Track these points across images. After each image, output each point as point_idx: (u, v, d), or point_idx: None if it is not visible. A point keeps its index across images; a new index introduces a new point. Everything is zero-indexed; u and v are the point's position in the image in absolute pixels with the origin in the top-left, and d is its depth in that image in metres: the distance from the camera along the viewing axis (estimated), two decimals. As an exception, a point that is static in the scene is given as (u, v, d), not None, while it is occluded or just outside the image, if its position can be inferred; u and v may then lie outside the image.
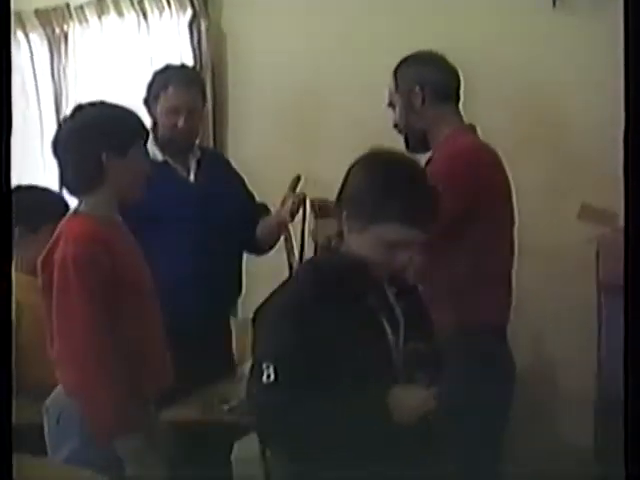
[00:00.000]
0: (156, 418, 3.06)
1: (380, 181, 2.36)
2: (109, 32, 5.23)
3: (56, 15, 5.33)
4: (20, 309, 3.10)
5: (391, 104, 3.33)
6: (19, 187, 3.25)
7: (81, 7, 5.26)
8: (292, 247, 3.78)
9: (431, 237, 2.39)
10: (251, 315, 4.65)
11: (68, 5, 5.29)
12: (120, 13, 5.17)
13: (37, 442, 2.91)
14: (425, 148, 3.29)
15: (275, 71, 4.88)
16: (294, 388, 2.28)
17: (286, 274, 3.73)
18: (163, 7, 5.06)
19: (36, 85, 5.42)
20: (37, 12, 5.34)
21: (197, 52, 5.01)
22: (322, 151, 4.74)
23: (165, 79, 3.82)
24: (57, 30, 5.34)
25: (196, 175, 3.86)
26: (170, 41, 5.07)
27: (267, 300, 2.46)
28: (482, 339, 3.11)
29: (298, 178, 3.77)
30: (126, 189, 2.94)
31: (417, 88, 3.24)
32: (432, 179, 2.42)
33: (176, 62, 4.46)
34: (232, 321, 4.13)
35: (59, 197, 3.62)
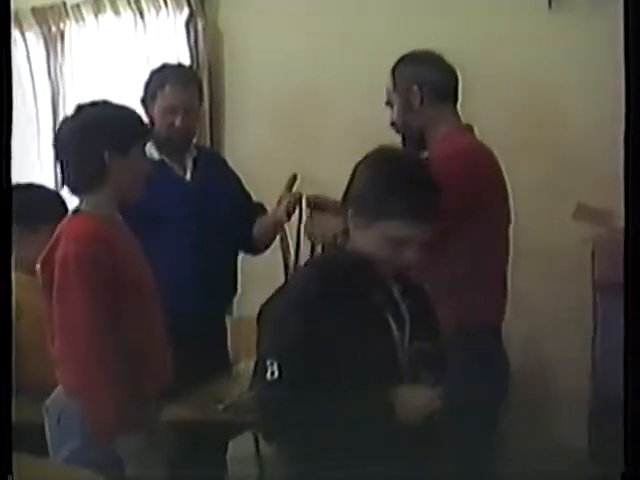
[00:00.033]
0: (157, 417, 3.06)
1: (385, 178, 2.37)
2: (106, 31, 5.24)
3: (53, 13, 5.33)
4: (19, 309, 3.09)
5: (389, 103, 3.33)
6: (16, 185, 3.24)
7: (78, 5, 5.26)
8: (288, 246, 3.78)
9: (429, 237, 2.39)
10: (246, 314, 4.69)
11: (65, 3, 5.29)
12: (117, 12, 5.18)
13: (36, 441, 2.90)
14: (422, 147, 3.28)
15: (272, 70, 4.88)
16: (298, 385, 2.28)
17: (282, 273, 3.74)
18: (160, 6, 5.07)
19: (33, 84, 5.43)
20: (34, 10, 5.34)
21: (194, 51, 5.02)
22: (319, 150, 4.74)
23: (162, 78, 3.82)
24: (54, 28, 5.35)
25: (192, 174, 3.85)
26: (167, 40, 5.08)
27: (272, 297, 2.46)
28: (479, 339, 3.11)
29: (294, 177, 3.77)
30: (127, 188, 2.94)
31: (415, 87, 3.23)
32: None
33: (173, 61, 4.46)
34: (227, 320, 4.13)
35: (57, 195, 3.62)
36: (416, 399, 2.32)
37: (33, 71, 5.42)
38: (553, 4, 4.29)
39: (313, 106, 4.83)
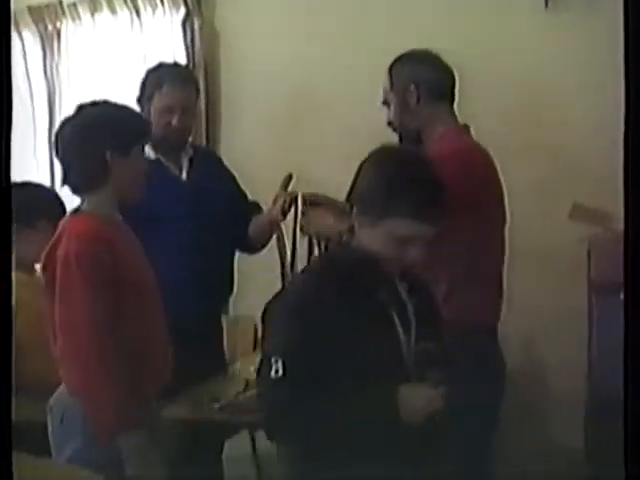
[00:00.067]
0: (157, 416, 3.06)
1: (390, 176, 2.36)
2: (102, 30, 5.23)
3: (49, 12, 5.33)
4: (16, 307, 3.09)
5: (385, 102, 3.33)
6: (13, 184, 3.23)
7: (74, 4, 5.26)
8: (284, 246, 3.77)
9: (433, 235, 2.39)
10: (242, 313, 4.69)
11: (61, 2, 5.29)
12: (113, 11, 5.18)
13: (35, 441, 2.90)
14: (419, 147, 3.29)
15: (268, 70, 4.88)
16: (302, 384, 2.27)
17: (278, 273, 3.73)
18: (156, 5, 5.07)
19: (29, 83, 5.42)
20: (30, 9, 5.34)
21: (190, 50, 5.02)
22: (314, 150, 4.74)
23: (159, 78, 3.81)
24: (50, 27, 5.35)
25: (188, 173, 3.85)
26: (163, 39, 5.07)
27: (277, 295, 2.46)
28: (476, 339, 3.11)
29: (290, 177, 3.77)
30: (128, 188, 2.94)
31: (412, 87, 3.23)
32: None
33: (169, 60, 4.45)
34: (223, 319, 4.12)
35: (53, 194, 3.61)
36: (419, 399, 2.31)
37: (29, 70, 5.41)
38: (550, 4, 4.30)
39: (309, 105, 4.83)
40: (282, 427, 2.39)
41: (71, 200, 3.49)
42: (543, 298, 4.36)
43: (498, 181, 3.26)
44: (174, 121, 3.75)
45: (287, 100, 4.91)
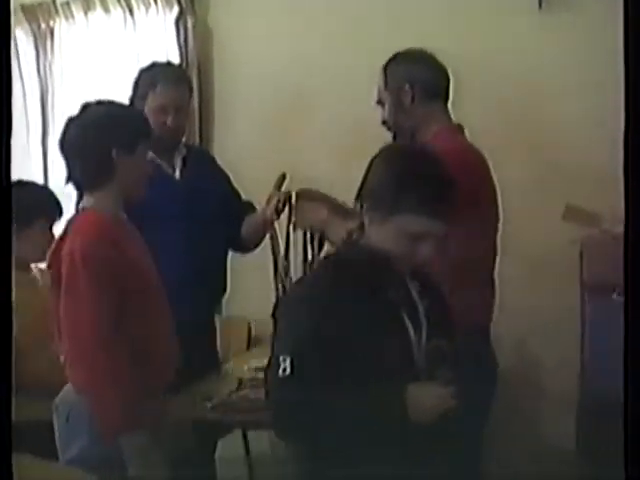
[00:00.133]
0: (162, 415, 3.05)
1: (401, 172, 2.36)
2: (95, 28, 5.23)
3: (42, 11, 5.32)
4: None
5: (380, 101, 3.33)
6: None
7: (67, 3, 5.26)
8: (278, 245, 3.76)
9: (445, 231, 2.39)
10: (235, 313, 4.69)
11: (54, 1, 5.28)
12: (106, 9, 5.18)
13: (34, 441, 2.90)
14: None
15: (261, 69, 4.89)
16: (309, 382, 2.27)
17: (271, 272, 3.73)
18: (149, 4, 5.07)
19: (22, 81, 5.41)
20: (23, 7, 5.32)
21: (183, 49, 5.02)
22: (308, 149, 4.75)
23: (153, 77, 3.80)
24: (43, 26, 5.34)
25: (182, 173, 3.84)
26: (156, 38, 5.07)
27: (286, 293, 2.46)
28: (471, 339, 3.11)
29: (283, 176, 3.76)
30: (132, 186, 2.96)
31: (407, 86, 3.23)
32: None
33: (162, 59, 4.45)
34: (216, 319, 4.12)
35: (49, 193, 3.61)
36: (429, 397, 2.30)
37: (22, 69, 5.40)
38: (543, 4, 4.31)
39: (303, 105, 4.83)
40: (290, 425, 2.39)
41: (71, 198, 3.51)
42: (536, 299, 4.37)
43: (491, 181, 3.26)
44: (169, 121, 3.75)
45: (280, 99, 4.91)
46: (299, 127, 4.84)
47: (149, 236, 3.45)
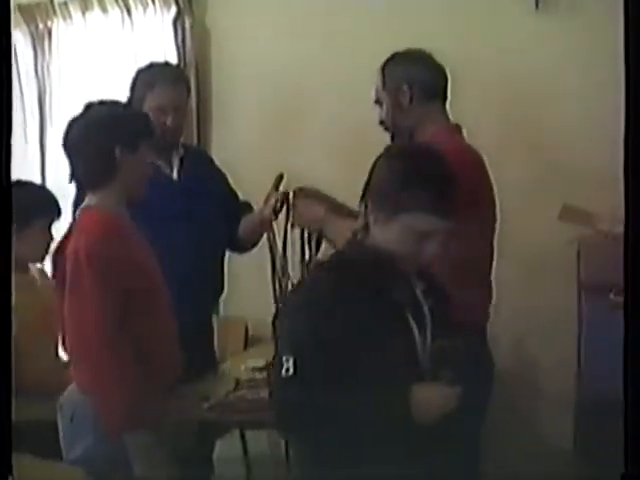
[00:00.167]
0: (165, 414, 3.06)
1: (406, 171, 2.36)
2: (93, 28, 5.22)
3: (40, 11, 5.31)
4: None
5: (378, 101, 3.33)
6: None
7: (65, 3, 5.25)
8: (276, 245, 3.76)
9: (450, 229, 2.39)
10: (233, 313, 4.69)
11: (52, 1, 5.27)
12: (104, 9, 5.17)
13: (33, 442, 2.91)
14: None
15: (259, 69, 4.88)
16: (313, 383, 2.27)
17: (268, 273, 3.73)
18: (147, 4, 5.07)
19: (19, 82, 5.41)
20: (20, 8, 5.32)
21: (181, 49, 5.01)
22: (305, 150, 4.74)
23: (151, 78, 3.80)
24: (41, 26, 5.34)
25: (179, 173, 3.84)
26: (154, 38, 5.06)
27: (290, 293, 2.46)
28: (469, 339, 3.11)
29: (281, 177, 3.76)
30: (135, 185, 2.97)
31: (405, 86, 3.23)
32: None
33: (160, 59, 4.45)
34: (214, 319, 4.12)
35: (47, 193, 3.61)
36: (434, 398, 2.31)
37: (20, 69, 5.39)
38: (544, 5, 4.31)
39: (300, 105, 4.83)
40: (293, 426, 2.40)
41: (69, 198, 3.52)
42: (533, 299, 4.38)
43: (489, 181, 3.26)
44: (168, 121, 3.74)
45: (278, 99, 4.91)
46: (297, 127, 4.83)
47: (146, 236, 3.46)
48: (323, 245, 3.47)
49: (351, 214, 3.34)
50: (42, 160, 5.40)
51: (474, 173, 3.16)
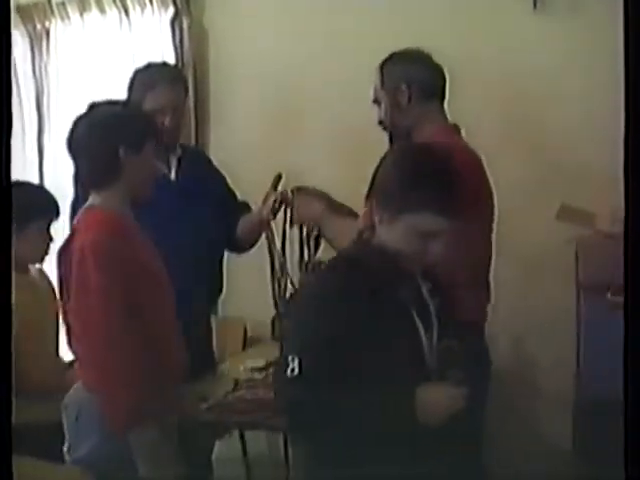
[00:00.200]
0: (170, 412, 3.06)
1: (412, 170, 2.37)
2: (91, 29, 5.21)
3: (38, 11, 5.31)
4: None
5: (376, 101, 3.33)
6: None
7: (63, 3, 5.24)
8: (274, 245, 3.76)
9: (456, 229, 2.39)
10: (231, 314, 4.68)
11: (50, 1, 5.27)
12: (102, 10, 5.16)
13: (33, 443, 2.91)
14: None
15: (257, 69, 4.88)
16: (319, 382, 2.27)
17: (267, 273, 3.73)
18: (145, 4, 5.06)
19: (17, 82, 5.40)
20: (19, 8, 5.31)
21: (179, 50, 5.01)
22: (304, 150, 4.75)
23: (149, 78, 3.80)
24: (39, 26, 5.33)
25: (177, 173, 3.84)
26: (152, 38, 5.06)
27: (296, 293, 2.45)
28: (470, 339, 3.12)
29: (279, 177, 3.76)
30: (139, 186, 2.96)
31: (404, 86, 3.24)
32: None
33: (158, 60, 4.44)
34: (212, 319, 4.12)
35: (46, 193, 3.61)
36: (441, 398, 2.30)
37: (18, 69, 5.39)
38: (538, 5, 4.31)
39: (300, 105, 4.83)
40: (299, 425, 2.40)
41: (67, 198, 3.52)
42: (531, 299, 4.38)
43: (487, 180, 3.27)
44: (167, 121, 3.74)
45: (276, 99, 4.91)
46: (296, 127, 4.83)
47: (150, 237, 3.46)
48: (322, 245, 3.47)
49: (350, 213, 3.35)
50: (40, 161, 5.39)
51: (474, 173, 3.16)
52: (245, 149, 4.89)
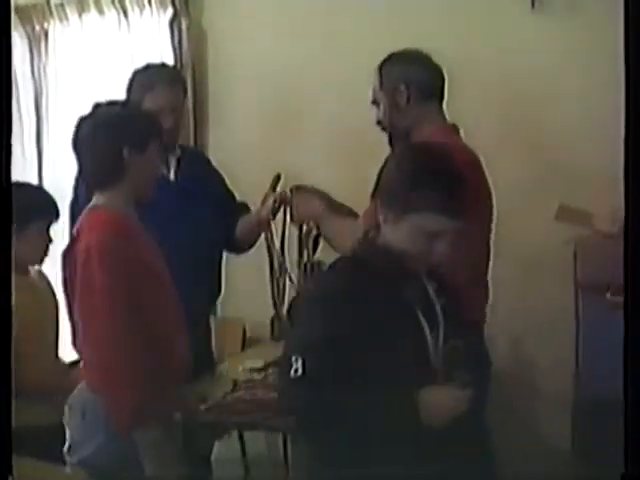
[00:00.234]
0: (175, 411, 3.06)
1: (416, 171, 2.36)
2: (89, 30, 5.21)
3: (36, 13, 5.30)
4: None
5: (375, 101, 3.33)
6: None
7: (61, 4, 5.24)
8: (274, 245, 3.76)
9: (460, 228, 2.39)
10: (230, 315, 4.68)
11: (48, 2, 5.26)
12: (100, 11, 5.16)
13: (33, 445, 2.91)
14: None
15: (256, 70, 4.88)
16: (322, 383, 2.27)
17: (266, 273, 3.73)
18: (144, 5, 5.06)
19: (16, 83, 5.40)
20: (17, 9, 5.31)
21: (177, 51, 5.01)
22: (303, 150, 4.75)
23: (148, 79, 3.80)
24: (37, 28, 5.33)
25: (176, 174, 3.84)
26: (151, 39, 5.06)
27: (300, 294, 2.45)
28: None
29: (278, 177, 3.77)
30: (143, 186, 2.97)
31: (402, 87, 3.24)
32: None
33: (157, 61, 4.45)
34: (211, 320, 4.12)
35: (46, 194, 3.60)
36: (444, 400, 2.30)
37: (16, 71, 5.38)
38: (536, 4, 4.32)
39: (299, 106, 4.84)
40: (302, 425, 2.40)
41: (61, 201, 3.52)
42: (530, 299, 4.38)
43: (486, 181, 3.27)
44: (165, 122, 3.74)
45: (275, 100, 4.91)
46: (295, 128, 4.83)
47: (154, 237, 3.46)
48: (320, 245, 3.48)
49: (350, 213, 3.35)
50: (39, 162, 5.39)
51: (473, 173, 3.16)
52: (244, 150, 4.89)
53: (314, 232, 3.48)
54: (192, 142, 4.95)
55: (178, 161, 3.85)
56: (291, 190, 3.57)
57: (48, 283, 3.57)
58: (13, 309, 3.01)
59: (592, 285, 3.88)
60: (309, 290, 2.49)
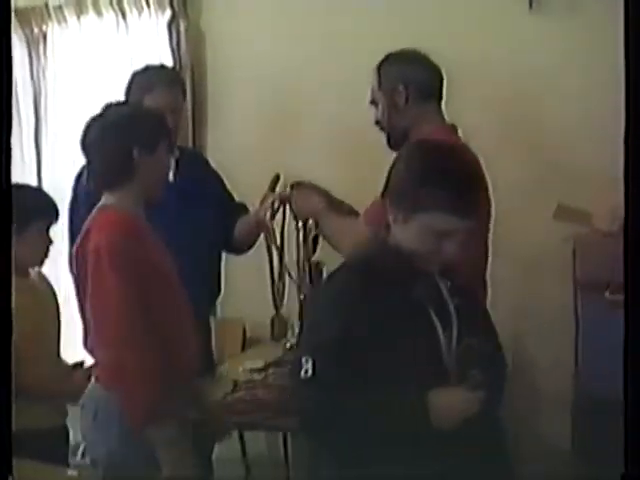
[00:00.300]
0: (188, 408, 3.06)
1: (425, 170, 2.36)
2: (88, 32, 5.21)
3: (35, 15, 5.30)
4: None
5: (373, 102, 3.34)
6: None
7: (60, 7, 5.24)
8: (275, 243, 3.76)
9: (471, 227, 2.39)
10: (230, 315, 4.68)
11: (47, 5, 5.26)
12: (99, 13, 5.16)
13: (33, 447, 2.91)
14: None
15: (254, 71, 4.89)
16: (332, 384, 2.27)
17: (266, 274, 3.74)
18: (142, 7, 5.06)
19: (15, 86, 5.40)
20: (16, 12, 5.30)
21: (176, 52, 5.01)
22: (301, 151, 4.75)
23: (147, 81, 3.81)
24: (36, 30, 5.32)
25: (175, 174, 3.84)
26: (149, 41, 5.06)
27: (312, 294, 2.44)
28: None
29: (277, 178, 3.77)
30: (152, 186, 2.98)
31: (401, 86, 3.24)
32: None
33: (155, 62, 4.44)
34: (211, 321, 4.12)
35: (46, 196, 3.61)
36: (452, 402, 2.29)
37: (15, 73, 5.38)
38: (534, 4, 4.32)
39: (298, 107, 4.84)
40: (311, 427, 2.40)
41: (61, 202, 3.52)
42: (529, 298, 4.38)
43: (485, 180, 3.28)
44: (165, 123, 3.75)
45: (273, 102, 4.91)
46: (294, 129, 4.84)
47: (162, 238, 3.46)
48: (320, 245, 3.48)
49: (351, 211, 3.35)
50: (38, 163, 5.39)
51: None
52: (242, 151, 4.89)
53: (313, 232, 3.48)
54: (191, 143, 4.95)
55: (177, 162, 3.85)
56: (292, 186, 3.57)
57: (48, 285, 3.57)
58: (13, 311, 3.02)
59: (591, 283, 3.88)
60: (319, 291, 2.49)
